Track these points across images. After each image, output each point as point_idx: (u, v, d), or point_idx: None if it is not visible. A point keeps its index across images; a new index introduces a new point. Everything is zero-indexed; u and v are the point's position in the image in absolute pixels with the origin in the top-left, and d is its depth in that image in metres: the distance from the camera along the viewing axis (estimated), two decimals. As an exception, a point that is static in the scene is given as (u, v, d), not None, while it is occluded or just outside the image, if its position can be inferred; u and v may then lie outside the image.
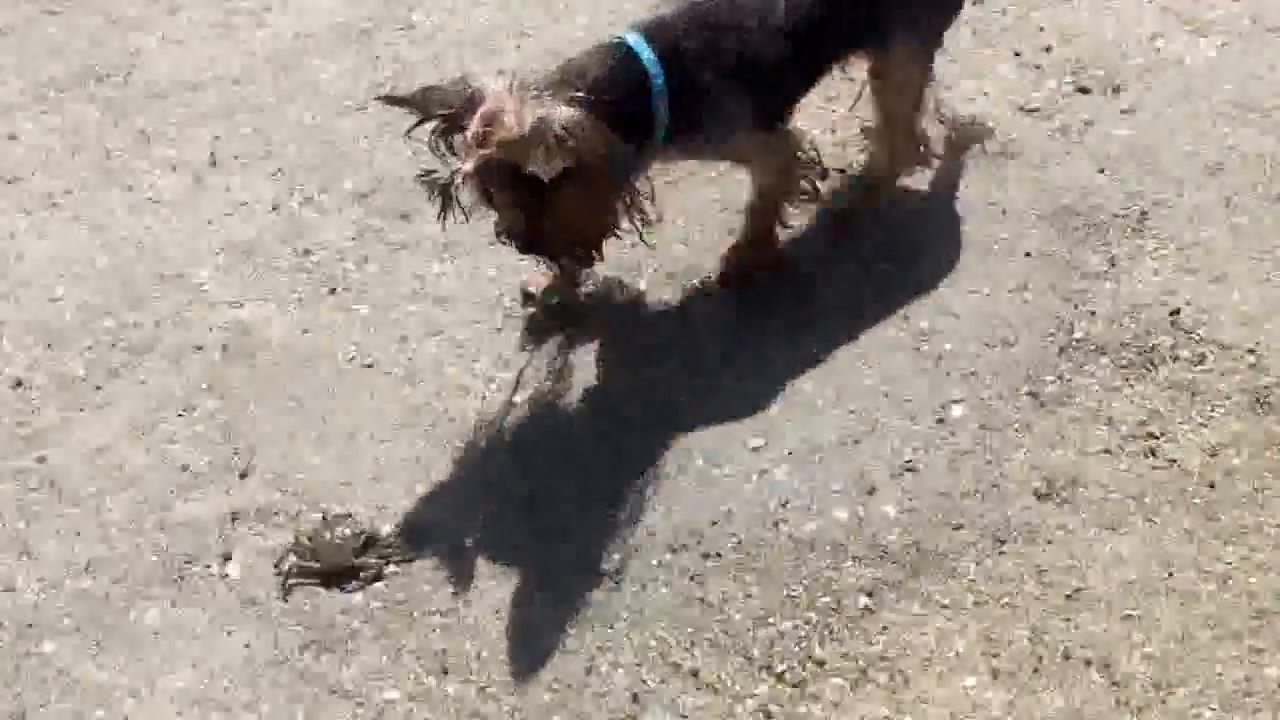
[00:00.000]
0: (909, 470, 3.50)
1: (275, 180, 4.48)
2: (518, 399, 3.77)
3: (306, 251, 4.23)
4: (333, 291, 4.10)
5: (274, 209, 4.38)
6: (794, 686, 3.16)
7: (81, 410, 3.87)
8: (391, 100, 3.35)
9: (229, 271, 4.20)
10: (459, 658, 3.27)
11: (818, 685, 3.16)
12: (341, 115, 4.67)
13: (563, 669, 3.21)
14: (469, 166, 3.03)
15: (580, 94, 3.05)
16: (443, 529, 3.51)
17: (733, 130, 3.41)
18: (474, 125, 3.01)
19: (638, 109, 3.22)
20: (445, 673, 3.24)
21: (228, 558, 3.50)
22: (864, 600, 3.28)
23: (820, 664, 3.19)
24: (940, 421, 3.59)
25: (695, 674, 3.19)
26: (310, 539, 3.42)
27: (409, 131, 3.27)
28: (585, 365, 3.83)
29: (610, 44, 3.28)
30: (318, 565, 3.40)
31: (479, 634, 3.31)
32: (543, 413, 3.73)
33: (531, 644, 3.26)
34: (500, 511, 3.52)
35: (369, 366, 3.89)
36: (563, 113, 2.99)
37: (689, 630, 3.26)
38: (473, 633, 3.31)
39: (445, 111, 3.12)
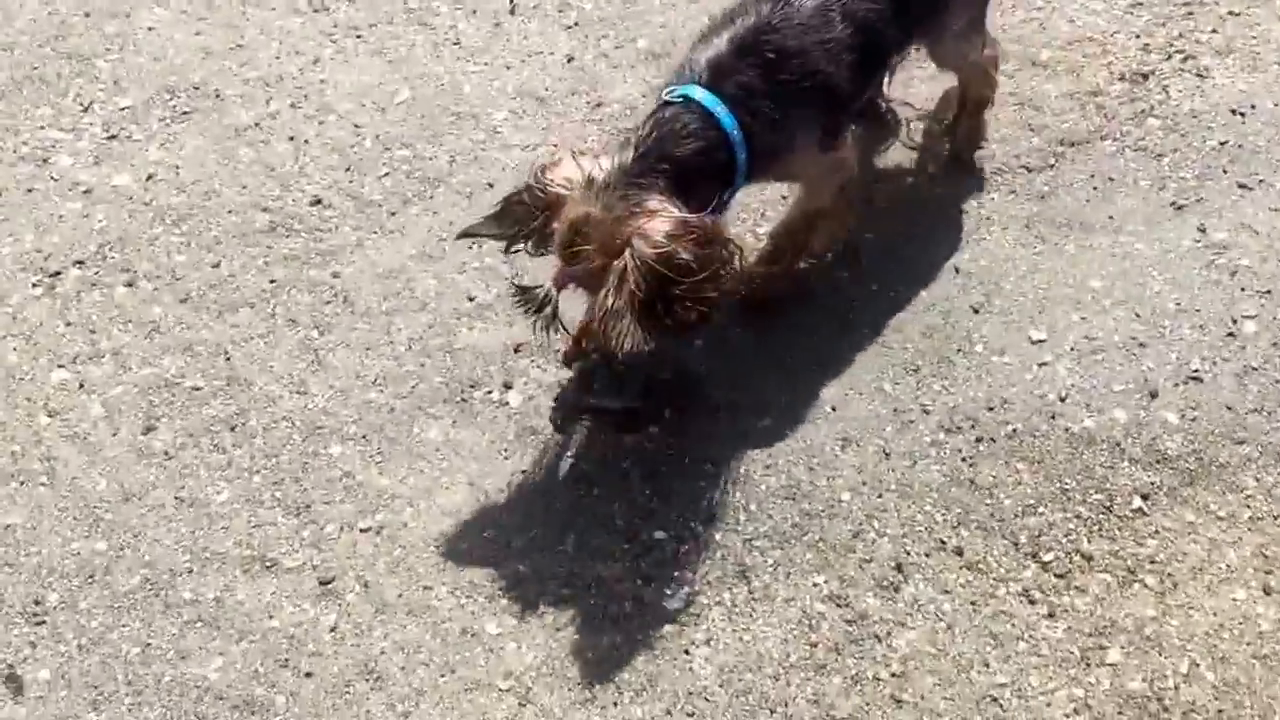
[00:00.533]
0: (1194, 379, 3.42)
1: (570, 32, 4.51)
2: (800, 265, 3.76)
3: (599, 104, 4.27)
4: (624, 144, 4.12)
5: (569, 60, 4.42)
6: (1059, 576, 3.14)
7: (375, 233, 3.99)
8: (469, 235, 3.26)
9: (523, 115, 4.27)
10: (726, 509, 3.31)
11: (1083, 578, 3.13)
12: (640, -26, 4.67)
13: (829, 530, 3.24)
14: (561, 281, 2.96)
15: (665, 178, 2.94)
16: (714, 380, 3.53)
17: (802, 156, 3.28)
18: (560, 234, 2.95)
19: (721, 166, 3.08)
20: (713, 519, 3.28)
21: (509, 386, 3.60)
22: (1138, 502, 3.24)
23: (1088, 558, 3.16)
24: (1230, 335, 3.50)
25: (960, 552, 3.18)
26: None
27: (507, 253, 3.21)
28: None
29: (680, 106, 3.07)
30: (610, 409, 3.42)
31: (747, 486, 3.34)
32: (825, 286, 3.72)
33: (799, 502, 3.29)
34: (778, 375, 3.54)
35: (655, 220, 3.91)
36: (659, 225, 2.87)
37: (956, 510, 3.25)
38: (742, 484, 3.35)
39: (527, 230, 3.05)
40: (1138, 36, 4.20)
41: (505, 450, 3.47)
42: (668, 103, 3.07)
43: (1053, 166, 3.90)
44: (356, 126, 4.28)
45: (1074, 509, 3.23)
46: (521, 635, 3.15)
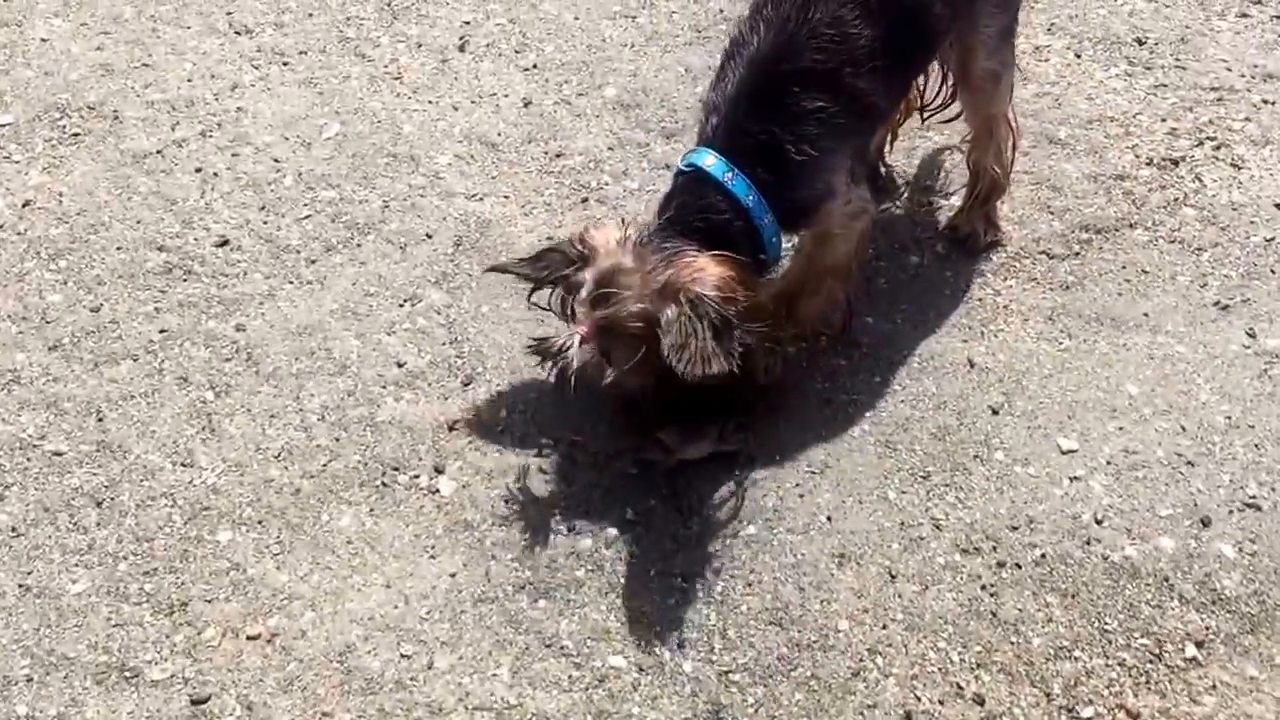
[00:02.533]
0: (1251, 506, 2.89)
1: (528, 75, 3.96)
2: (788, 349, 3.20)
3: (559, 155, 3.71)
4: (584, 201, 3.57)
5: (525, 104, 3.87)
6: (1101, 738, 2.56)
7: (290, 283, 3.39)
8: (499, 269, 3.07)
9: (471, 161, 3.69)
10: (699, 633, 2.70)
11: (1130, 741, 2.55)
12: (609, 20, 4.13)
13: (823, 666, 2.65)
14: (584, 332, 2.76)
15: (697, 240, 2.77)
16: (689, 480, 2.95)
17: (835, 202, 2.92)
18: (587, 286, 2.78)
19: (745, 232, 2.84)
20: (682, 646, 2.68)
21: (440, 470, 2.99)
22: (1191, 650, 2.68)
23: (1134, 716, 2.58)
24: (1291, 458, 2.98)
25: (980, 701, 2.61)
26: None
27: (529, 299, 2.98)
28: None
29: (691, 177, 2.85)
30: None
31: (725, 606, 2.74)
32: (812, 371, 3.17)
33: (787, 629, 2.71)
34: (765, 477, 2.97)
35: (620, 287, 3.33)
36: (713, 267, 2.73)
37: (976, 648, 2.68)
38: (719, 604, 2.75)
39: (557, 275, 2.89)
40: (1163, 120, 3.73)
41: (432, 547, 2.84)
42: (681, 171, 2.87)
43: (1078, 255, 3.39)
44: (276, 161, 3.68)
45: (1116, 655, 2.66)
46: (443, 782, 2.51)
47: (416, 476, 2.99)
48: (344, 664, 2.69)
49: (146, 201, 3.59)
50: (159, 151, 3.75)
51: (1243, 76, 3.88)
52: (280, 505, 2.94)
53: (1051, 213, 3.51)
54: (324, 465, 3.01)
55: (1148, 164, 3.63)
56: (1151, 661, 2.67)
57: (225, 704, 2.63)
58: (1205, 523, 2.86)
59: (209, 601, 2.78)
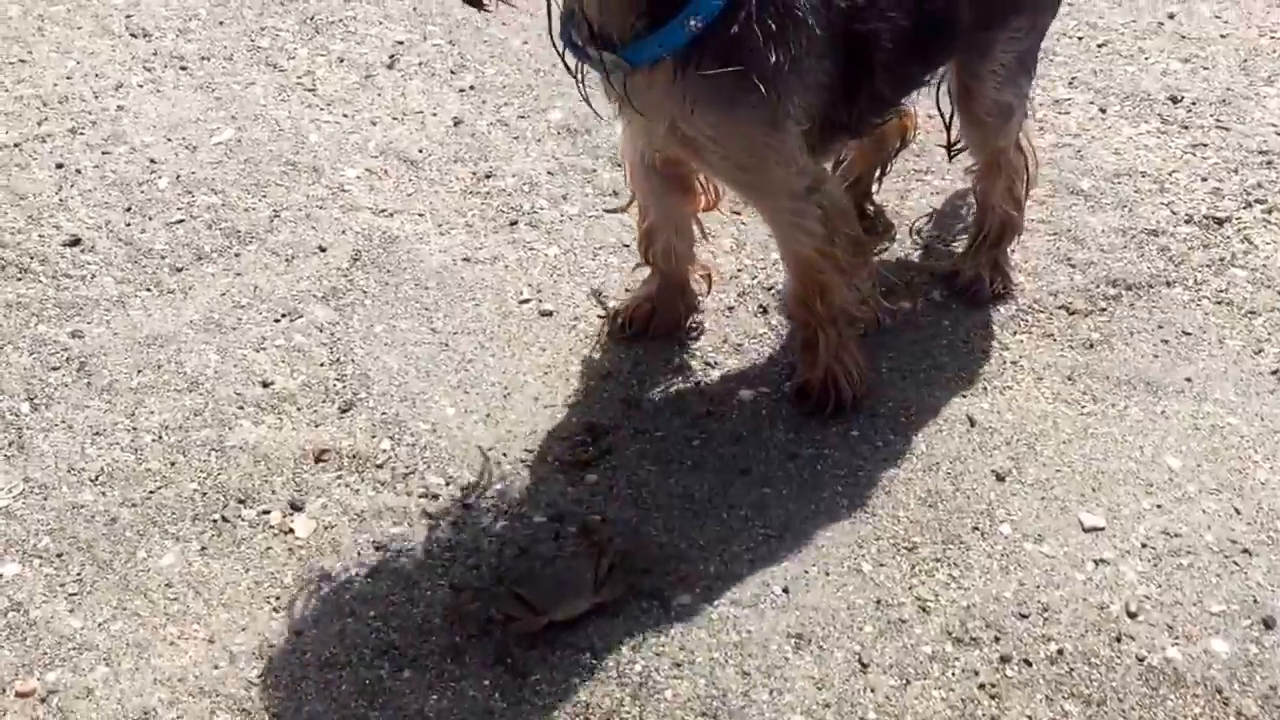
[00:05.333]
0: (1323, 608, 2.32)
1: (464, 96, 3.48)
2: (743, 393, 2.67)
3: (488, 176, 3.22)
4: (513, 224, 3.06)
5: (455, 124, 3.38)
6: None
7: (147, 290, 2.85)
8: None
9: (383, 177, 3.21)
10: (601, 716, 2.11)
11: None
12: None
13: (770, 771, 2.04)
14: None
15: None
16: (618, 532, 2.38)
17: (753, 109, 2.28)
18: None
19: None
20: (585, 737, 2.08)
21: (297, 508, 2.42)
22: (1252, 782, 2.08)
23: None
24: (1367, 554, 2.42)
25: (974, 830, 1.99)
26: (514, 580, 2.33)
27: None
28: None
29: None
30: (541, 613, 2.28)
31: (644, 692, 2.17)
32: (768, 421, 2.63)
33: None
34: (712, 536, 2.40)
35: (547, 315, 2.83)
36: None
37: (971, 762, 2.08)
38: (636, 688, 2.17)
39: None
40: (1204, 180, 3.25)
41: (275, 598, 2.26)
42: None
43: (1104, 311, 2.87)
44: (152, 162, 3.18)
45: (1154, 780, 2.06)
46: None
47: (266, 512, 2.42)
48: (135, 735, 2.08)
49: (-10, 194, 3.07)
50: (16, 145, 3.25)
51: (1294, 144, 3.42)
52: (87, 537, 2.36)
53: (1072, 265, 3.00)
54: (151, 492, 2.44)
55: (1187, 221, 3.14)
56: (1200, 791, 2.08)
57: (-33, 776, 2.01)
58: (1268, 624, 2.30)
59: (-27, 646, 2.18)
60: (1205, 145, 3.40)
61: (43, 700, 2.14)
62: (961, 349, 2.81)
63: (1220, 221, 3.14)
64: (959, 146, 2.91)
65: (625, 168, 2.69)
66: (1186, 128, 3.45)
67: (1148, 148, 3.39)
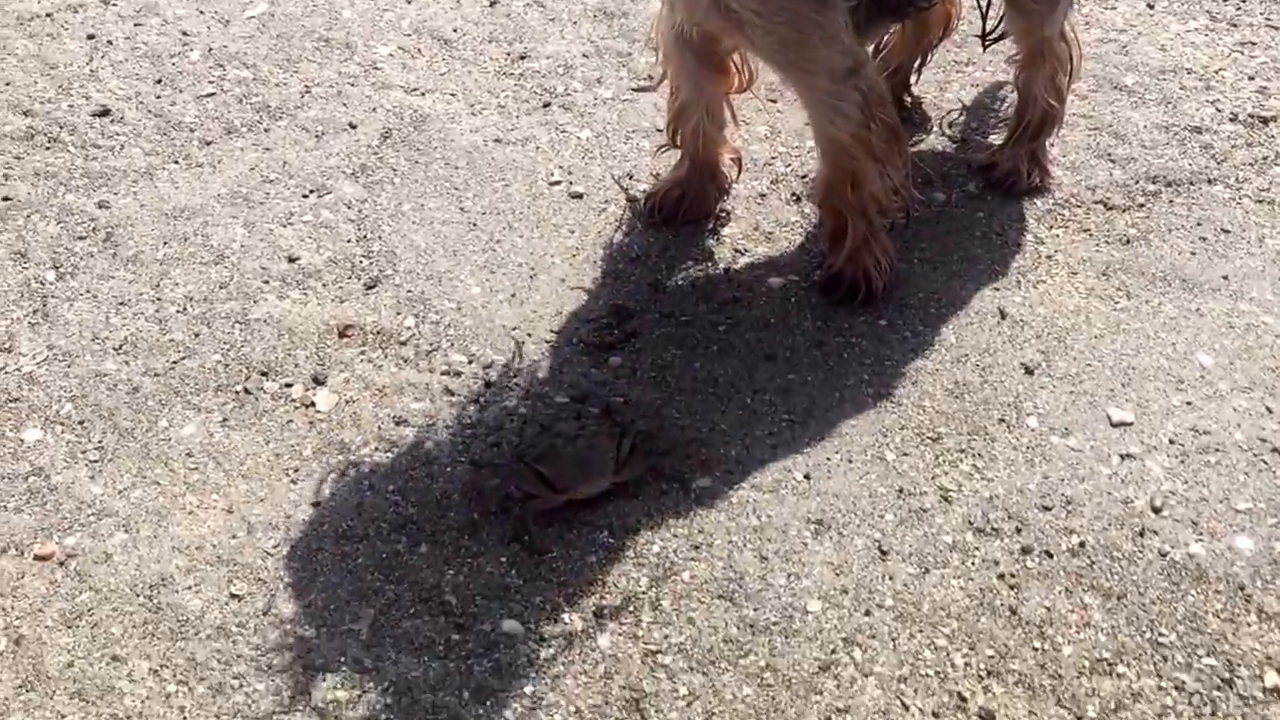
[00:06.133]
0: (1354, 509, 2.25)
1: (500, -24, 3.39)
2: (772, 280, 2.60)
3: (522, 57, 3.14)
4: (546, 106, 2.98)
5: (491, 3, 3.31)
6: (1148, 780, 1.91)
7: (176, 163, 2.80)
8: None
9: (416, 56, 3.13)
10: (628, 599, 2.08)
11: (1187, 788, 1.91)
12: (603, -74, 3.58)
13: (783, 655, 2.02)
14: None
15: None
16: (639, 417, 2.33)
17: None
18: None
19: None
20: (601, 615, 2.06)
21: (319, 381, 2.38)
22: (1272, 678, 2.05)
23: (1194, 757, 1.94)
24: (1403, 456, 2.36)
25: (988, 718, 1.95)
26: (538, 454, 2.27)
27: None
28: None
29: None
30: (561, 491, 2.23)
31: (662, 572, 2.13)
32: (799, 306, 2.56)
33: (739, 605, 2.11)
34: (734, 421, 2.35)
35: (576, 197, 2.76)
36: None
37: (987, 650, 2.04)
38: (653, 568, 2.13)
39: None
40: (1251, 78, 3.14)
41: (295, 470, 2.23)
42: None
43: (1142, 207, 2.78)
44: (184, 34, 3.12)
45: (1173, 675, 2.03)
46: (252, 756, 1.87)
47: (289, 385, 2.38)
48: (153, 600, 2.06)
49: (22, 64, 3.03)
50: (48, 15, 3.18)
51: (1346, 46, 3.30)
52: (109, 405, 2.33)
53: (1112, 161, 2.91)
54: (174, 363, 2.40)
55: (1231, 120, 3.04)
56: (1220, 688, 2.04)
57: (-15, 634, 2.00)
58: (1294, 523, 2.23)
59: (-7, 508, 2.16)
60: (1254, 44, 3.29)
61: (61, 564, 2.12)
62: (995, 242, 2.74)
63: (1265, 120, 3.04)
64: (994, 35, 2.82)
65: (659, 44, 2.61)
66: (1235, 25, 3.34)
67: (1195, 45, 3.28)
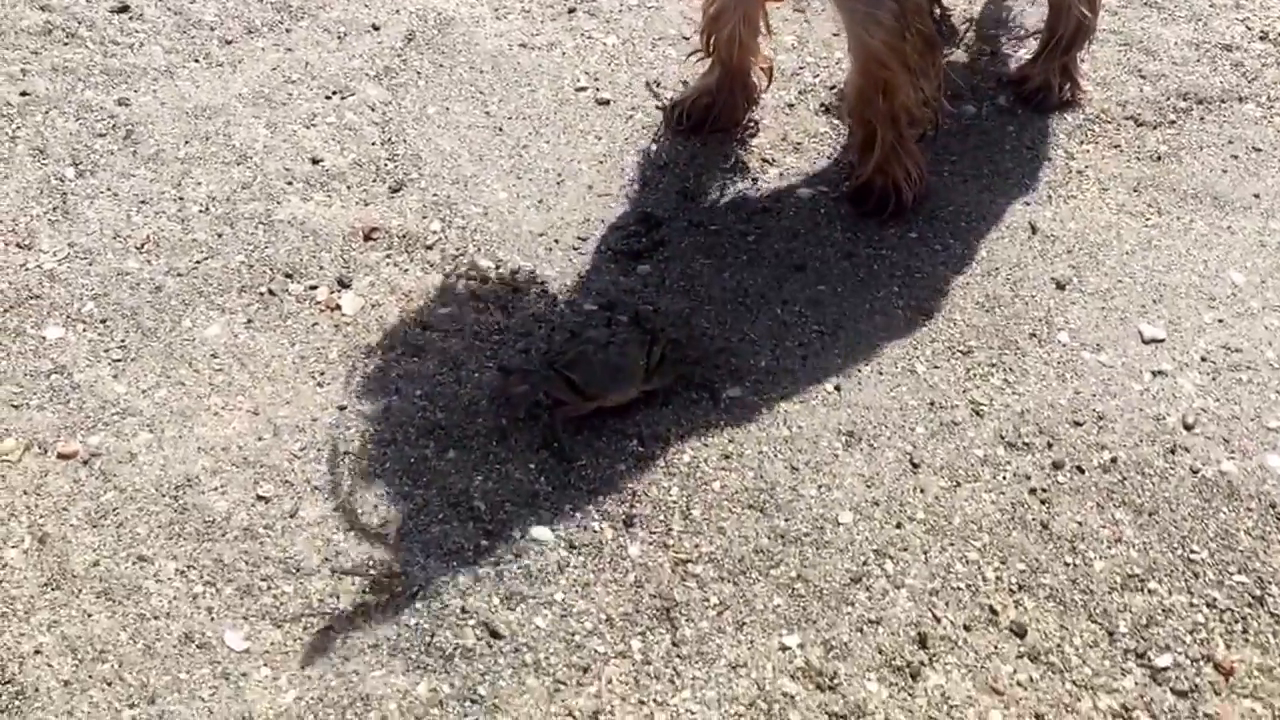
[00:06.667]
0: (1386, 428, 2.20)
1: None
2: (801, 191, 2.53)
3: (569, -29, 3.04)
4: (572, 11, 2.90)
5: (514, -93, 3.18)
6: (1179, 695, 1.89)
7: (196, 61, 2.71)
8: None
9: (438, -43, 3.01)
10: (658, 508, 2.03)
11: (1218, 703, 1.87)
12: None
13: (815, 566, 1.98)
14: None
15: None
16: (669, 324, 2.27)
17: None
18: None
19: None
20: (630, 523, 2.00)
21: (344, 284, 2.31)
22: (1302, 596, 2.00)
23: (1226, 673, 1.91)
24: None
25: (1019, 631, 1.93)
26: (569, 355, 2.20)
27: None
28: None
29: None
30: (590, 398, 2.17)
31: (692, 480, 2.07)
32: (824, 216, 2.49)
33: (770, 516, 2.07)
34: (764, 330, 2.29)
35: (603, 104, 2.68)
36: None
37: (1019, 565, 2.00)
38: (684, 477, 2.07)
39: None
40: (1281, -3, 3.04)
41: (320, 373, 2.17)
42: None
43: (1173, 124, 2.71)
44: (203, -69, 2.99)
45: (1204, 592, 1.98)
46: (281, 660, 1.83)
47: (314, 287, 2.32)
48: (179, 500, 2.01)
49: (38, -42, 2.91)
50: (66, -92, 3.06)
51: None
52: (132, 303, 2.27)
53: (1143, 77, 2.84)
54: (197, 263, 2.33)
55: (1261, 38, 2.96)
56: (1250, 605, 2.00)
57: (10, 531, 1.96)
58: (1326, 442, 2.18)
59: (16, 407, 2.11)
60: (1284, -39, 3.19)
61: (85, 463, 2.06)
62: (1026, 155, 2.67)
63: (1296, 39, 2.96)
64: None
65: (694, -52, 2.53)
66: (1265, -58, 3.24)
67: (1224, -38, 3.18)
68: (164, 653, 1.85)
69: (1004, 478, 2.13)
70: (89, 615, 1.88)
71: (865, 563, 2.01)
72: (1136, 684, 1.92)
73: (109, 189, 2.47)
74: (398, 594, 1.92)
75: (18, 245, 2.36)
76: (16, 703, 1.79)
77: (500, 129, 2.62)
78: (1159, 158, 2.67)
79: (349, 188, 2.50)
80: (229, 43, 2.79)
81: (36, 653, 1.84)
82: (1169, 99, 2.79)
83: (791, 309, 2.35)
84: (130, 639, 1.86)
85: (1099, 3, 2.74)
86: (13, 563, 1.93)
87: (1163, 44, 2.92)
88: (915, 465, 2.14)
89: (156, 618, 1.89)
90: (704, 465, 2.11)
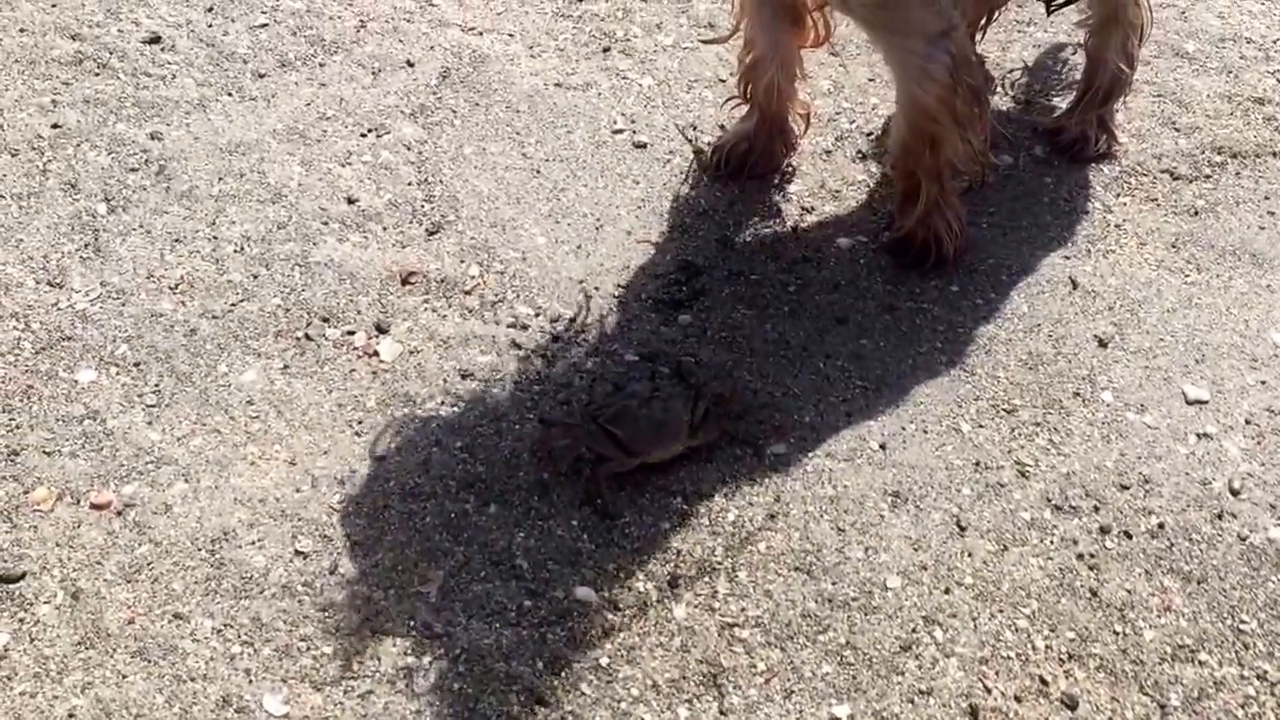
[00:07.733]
0: None
1: (555, -84, 3.18)
2: (840, 240, 2.44)
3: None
4: (606, 51, 2.80)
5: (548, -56, 3.09)
6: (1233, 772, 1.78)
7: (229, 95, 2.60)
8: None
9: (473, -7, 2.92)
10: (703, 570, 1.92)
11: (1272, 782, 1.78)
12: None
13: (864, 632, 1.87)
14: None
15: None
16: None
17: None
18: None
19: None
20: (675, 585, 1.90)
21: (382, 330, 2.20)
22: (1355, 670, 1.90)
23: (1279, 749, 1.81)
24: None
25: (1071, 704, 1.84)
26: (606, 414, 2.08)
27: None
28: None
29: None
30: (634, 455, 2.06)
31: (737, 541, 1.97)
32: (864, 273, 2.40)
33: (818, 579, 1.97)
34: (808, 387, 2.19)
35: (640, 147, 2.58)
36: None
37: (1068, 633, 1.90)
38: (729, 536, 1.97)
39: None
40: (1309, 50, 2.96)
41: (358, 421, 2.06)
42: None
43: (1209, 178, 2.63)
44: (235, -38, 2.89)
45: (1255, 664, 1.90)
46: (324, 725, 1.72)
47: (351, 333, 2.21)
48: (215, 554, 1.90)
49: (69, -14, 2.81)
50: (97, -64, 2.96)
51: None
52: (166, 347, 2.16)
53: (1177, 129, 2.75)
54: (233, 305, 2.23)
55: (1293, 92, 2.87)
56: (1304, 679, 1.90)
57: (44, 586, 1.85)
58: (1373, 510, 2.09)
59: (48, 454, 2.00)
60: (1312, 14, 3.11)
61: (119, 514, 1.96)
62: (1063, 208, 2.58)
63: (1327, 94, 2.87)
64: (1059, 2, 2.63)
65: (736, -3, 2.43)
66: (1292, -6, 3.16)
67: (1252, 14, 3.11)
68: (201, 717, 1.75)
69: (1051, 542, 2.04)
70: (124, 677, 1.78)
71: (914, 630, 1.92)
72: (1190, 761, 1.82)
73: (142, 226, 2.37)
74: (439, 657, 1.82)
75: (49, 284, 2.25)
76: (50, 770, 1.69)
77: (538, 171, 2.52)
78: (1196, 212, 2.58)
79: (385, 229, 2.40)
80: (262, 76, 2.69)
81: (70, 716, 1.74)
82: (1204, 152, 2.71)
83: (834, 363, 2.25)
84: (166, 702, 1.76)
85: (1136, 57, 2.65)
86: (45, 619, 1.82)
87: (1195, 96, 2.84)
88: (962, 528, 2.04)
89: (193, 679, 1.78)
90: (749, 524, 2.02)
